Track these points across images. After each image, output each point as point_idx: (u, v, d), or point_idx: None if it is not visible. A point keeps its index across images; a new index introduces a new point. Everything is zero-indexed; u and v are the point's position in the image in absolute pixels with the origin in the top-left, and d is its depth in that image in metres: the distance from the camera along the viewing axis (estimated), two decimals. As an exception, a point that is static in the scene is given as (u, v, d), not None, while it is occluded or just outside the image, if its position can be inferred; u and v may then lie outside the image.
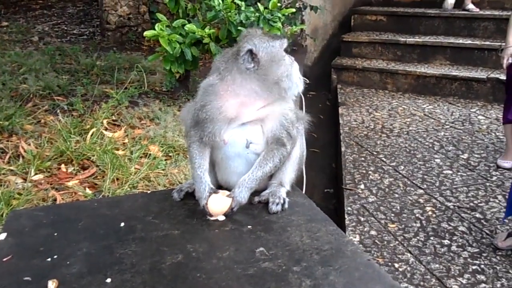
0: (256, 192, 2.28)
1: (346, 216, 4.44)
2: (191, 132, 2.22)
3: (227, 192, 2.14)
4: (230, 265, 1.77)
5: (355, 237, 4.08)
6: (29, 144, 4.11)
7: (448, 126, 6.63)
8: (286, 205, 2.19)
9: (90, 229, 2.01)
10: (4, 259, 1.80)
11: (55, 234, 1.97)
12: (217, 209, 2.08)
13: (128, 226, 2.05)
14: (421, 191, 4.87)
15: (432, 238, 4.08)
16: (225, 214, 2.10)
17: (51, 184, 3.68)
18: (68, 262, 1.78)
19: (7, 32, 8.52)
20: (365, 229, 4.24)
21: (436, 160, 5.57)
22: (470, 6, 8.74)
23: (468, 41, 8.25)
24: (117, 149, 4.22)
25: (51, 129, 4.42)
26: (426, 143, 6.06)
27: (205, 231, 2.01)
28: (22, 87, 5.36)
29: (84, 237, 1.95)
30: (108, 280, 1.68)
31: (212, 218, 2.10)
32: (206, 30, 4.84)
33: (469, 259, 3.79)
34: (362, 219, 4.40)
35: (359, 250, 1.87)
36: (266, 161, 2.17)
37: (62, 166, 3.94)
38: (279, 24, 4.99)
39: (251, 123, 2.13)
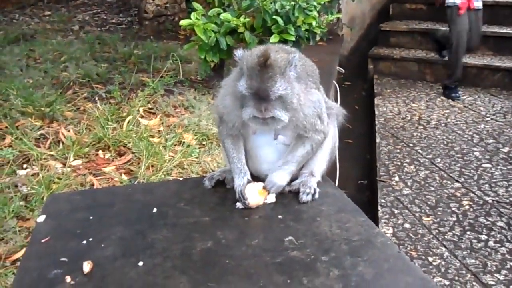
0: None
1: (379, 208, 4.39)
2: (221, 128, 2.27)
3: (261, 184, 2.16)
4: (258, 253, 1.78)
5: (388, 230, 4.03)
6: (69, 131, 4.24)
7: (489, 119, 6.41)
8: (317, 195, 2.19)
9: (124, 214, 2.06)
10: (43, 240, 1.87)
11: (91, 217, 2.04)
12: (253, 198, 2.11)
13: (160, 212, 2.10)
14: (458, 184, 4.74)
15: (468, 232, 3.99)
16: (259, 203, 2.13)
17: (89, 170, 3.79)
18: (102, 245, 1.84)
19: (49, 21, 8.79)
20: (399, 222, 4.18)
21: (475, 153, 5.41)
22: None
23: (512, 31, 7.93)
24: (152, 137, 4.30)
25: (89, 116, 4.54)
26: (465, 136, 5.89)
27: (234, 219, 2.04)
28: (63, 75, 5.53)
29: (118, 221, 2.00)
30: (140, 263, 1.73)
31: (247, 206, 2.12)
32: (241, 19, 4.83)
33: (507, 255, 3.69)
34: (396, 211, 4.33)
35: (389, 242, 1.84)
36: (297, 147, 2.17)
37: (100, 152, 4.05)
38: (314, 13, 4.93)
39: None
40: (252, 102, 1.95)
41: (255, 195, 2.11)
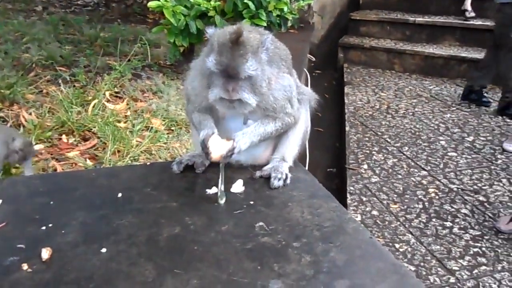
0: (258, 167, 2.24)
1: (348, 196, 4.41)
2: (189, 106, 2.20)
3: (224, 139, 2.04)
4: (228, 239, 1.73)
5: (356, 217, 4.05)
6: (30, 114, 4.06)
7: (455, 108, 6.54)
8: (288, 181, 2.15)
9: (87, 199, 1.97)
10: (-1, 226, 1.77)
11: (51, 202, 1.94)
12: (217, 150, 1.98)
13: (126, 197, 2.01)
14: (425, 172, 4.82)
15: (434, 220, 4.05)
16: (223, 159, 1.99)
17: (51, 155, 3.64)
18: (63, 231, 1.75)
19: (11, 1, 8.40)
20: (367, 209, 4.21)
21: (441, 142, 5.50)
22: (468, 8, 8.27)
23: (478, 22, 8.08)
24: (119, 122, 4.17)
25: (52, 99, 4.36)
26: (432, 125, 5.98)
27: (204, 204, 1.97)
28: (24, 56, 5.29)
29: (80, 206, 1.91)
30: (104, 250, 1.65)
31: (211, 161, 2.02)
32: (212, 2, 4.72)
33: (470, 242, 3.76)
34: (364, 199, 4.36)
35: (361, 228, 1.82)
36: (268, 121, 2.10)
37: (63, 136, 3.89)
38: (286, -1, 4.87)
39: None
40: (219, 82, 1.88)
41: (219, 147, 1.98)
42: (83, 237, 1.71)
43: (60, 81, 4.71)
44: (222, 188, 1.99)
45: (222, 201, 1.99)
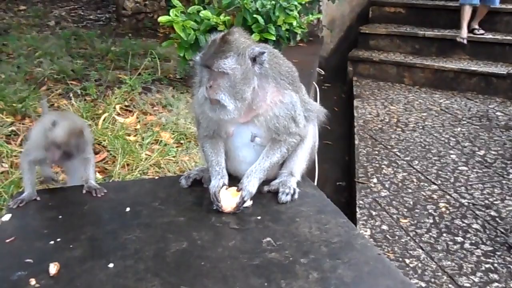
0: (266, 181, 2.23)
1: (357, 210, 4.37)
2: (199, 130, 2.23)
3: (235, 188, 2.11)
4: (235, 255, 1.72)
5: (366, 231, 4.01)
6: (41, 127, 4.11)
7: (465, 122, 6.49)
8: (296, 196, 2.14)
9: (95, 213, 1.98)
10: (7, 240, 1.78)
11: (60, 217, 1.95)
12: (227, 203, 2.04)
13: (134, 211, 2.02)
14: (435, 186, 4.77)
15: (444, 234, 4.00)
16: (235, 210, 2.06)
17: (61, 168, 3.67)
18: (71, 246, 1.76)
19: (24, 16, 8.55)
20: (377, 223, 4.16)
21: (451, 156, 5.45)
22: (476, 26, 8.15)
23: (489, 36, 8.05)
24: (129, 135, 4.20)
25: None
26: (442, 139, 5.94)
27: (211, 219, 1.97)
28: (36, 70, 5.36)
29: (88, 221, 1.92)
30: (111, 265, 1.65)
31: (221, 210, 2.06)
32: (221, 17, 4.77)
33: (482, 257, 3.70)
34: (373, 213, 4.32)
35: (369, 244, 1.81)
36: (273, 151, 2.13)
37: (73, 150, 3.92)
38: (295, 13, 4.89)
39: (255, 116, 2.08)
40: (203, 79, 1.95)
41: (229, 200, 2.05)
42: (90, 252, 1.72)
43: (71, 95, 4.76)
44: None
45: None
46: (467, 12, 7.88)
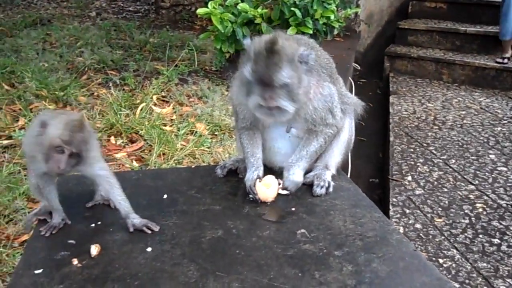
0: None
1: (390, 207, 4.32)
2: (237, 121, 2.25)
3: (273, 177, 2.12)
4: (270, 244, 1.74)
5: (399, 229, 3.96)
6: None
7: (506, 121, 6.29)
8: (331, 189, 2.14)
9: (134, 199, 2.02)
10: (52, 222, 1.86)
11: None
12: (263, 194, 2.07)
13: (171, 198, 2.06)
14: (472, 187, 4.65)
15: (481, 236, 3.90)
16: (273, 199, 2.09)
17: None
18: (111, 229, 1.82)
19: (67, 6, 8.80)
20: (410, 222, 4.10)
21: (490, 155, 5.30)
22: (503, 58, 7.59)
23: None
24: (165, 125, 4.28)
25: (103, 102, 4.53)
26: (481, 138, 5.78)
27: (246, 209, 2.00)
28: (78, 60, 5.53)
29: (127, 206, 1.97)
30: (149, 249, 1.70)
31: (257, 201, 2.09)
32: (259, 10, 4.78)
33: (520, 261, 3.60)
34: (407, 211, 4.26)
35: (404, 240, 1.79)
36: (310, 141, 2.13)
37: (112, 138, 4.03)
38: (333, 7, 4.86)
39: None
40: (257, 90, 1.90)
41: (265, 191, 2.07)
42: (129, 236, 1.77)
43: (110, 85, 4.89)
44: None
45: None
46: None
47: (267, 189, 2.07)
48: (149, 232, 1.79)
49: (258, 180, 2.10)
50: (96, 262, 1.63)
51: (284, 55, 1.87)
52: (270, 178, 2.10)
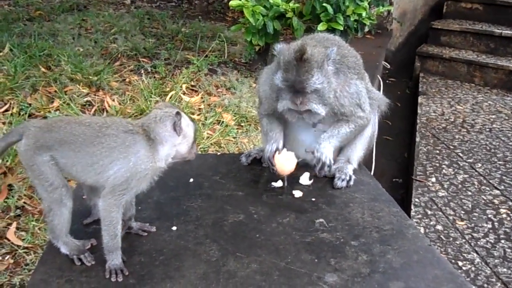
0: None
1: (412, 208, 4.32)
2: (260, 109, 2.32)
3: (292, 153, 2.16)
4: (289, 231, 1.81)
5: (419, 229, 3.97)
6: (114, 100, 4.37)
7: (537, 128, 6.16)
8: (352, 182, 2.19)
9: (162, 181, 2.10)
10: (84, 197, 1.96)
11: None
12: (281, 167, 2.11)
13: (196, 182, 2.15)
14: (497, 191, 4.60)
15: (503, 241, 3.87)
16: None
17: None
18: (139, 207, 1.91)
19: (103, -6, 8.98)
20: (431, 223, 4.10)
21: (518, 161, 5.22)
22: None
23: None
24: (193, 114, 4.38)
25: (134, 88, 4.66)
26: (510, 143, 5.69)
27: (268, 196, 2.07)
28: (112, 46, 5.67)
29: (155, 186, 2.05)
30: (174, 228, 1.80)
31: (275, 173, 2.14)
32: (291, 4, 4.81)
33: (541, 268, 3.57)
34: (429, 212, 4.26)
35: (420, 234, 1.83)
36: (342, 124, 2.17)
37: (141, 123, 4.14)
38: (365, 4, 4.85)
39: None
40: (287, 95, 1.98)
41: (283, 163, 2.11)
42: (157, 215, 1.87)
43: (142, 71, 5.02)
44: (286, 184, 2.09)
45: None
46: None
47: (286, 161, 2.11)
48: (145, 234, 1.76)
49: (277, 152, 2.15)
50: (125, 236, 1.73)
51: (314, 62, 1.94)
52: (289, 153, 2.15)
